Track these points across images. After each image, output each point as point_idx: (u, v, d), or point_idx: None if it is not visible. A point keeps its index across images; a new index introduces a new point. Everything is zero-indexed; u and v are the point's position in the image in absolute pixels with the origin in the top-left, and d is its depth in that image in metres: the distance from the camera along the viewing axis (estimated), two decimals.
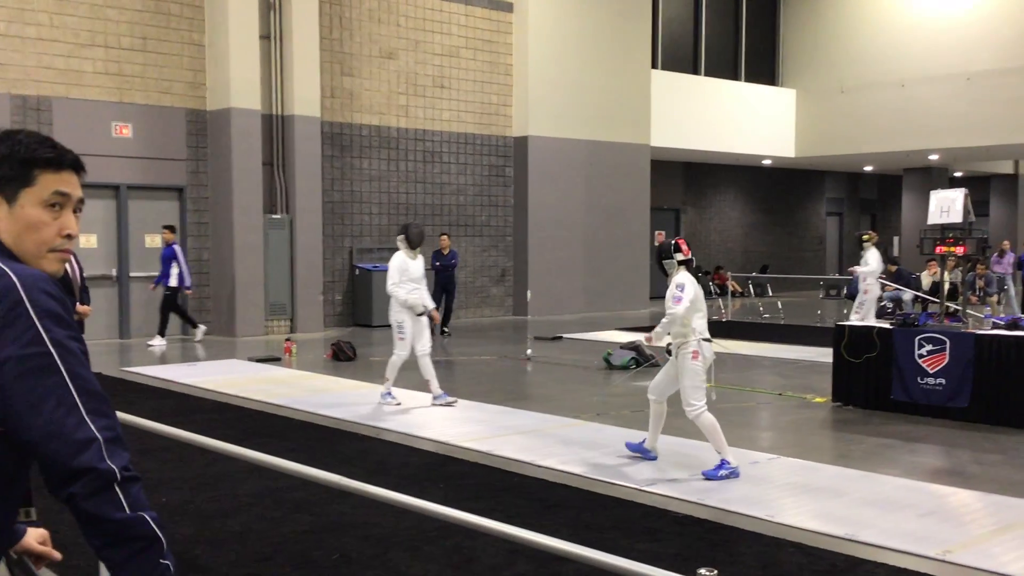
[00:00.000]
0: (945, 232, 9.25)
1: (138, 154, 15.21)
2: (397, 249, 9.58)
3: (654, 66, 22.22)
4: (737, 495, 6.20)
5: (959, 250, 9.13)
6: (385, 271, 10.31)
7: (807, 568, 4.88)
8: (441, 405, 9.46)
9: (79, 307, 7.63)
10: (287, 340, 13.86)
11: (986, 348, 8.48)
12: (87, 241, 14.66)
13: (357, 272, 17.38)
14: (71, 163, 1.88)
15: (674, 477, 6.67)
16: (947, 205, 9.20)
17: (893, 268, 17.04)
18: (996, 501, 6.12)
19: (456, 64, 18.70)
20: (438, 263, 16.29)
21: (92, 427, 1.68)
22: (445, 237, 16.52)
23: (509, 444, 7.74)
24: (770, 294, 25.96)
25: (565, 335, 15.78)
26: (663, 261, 7.04)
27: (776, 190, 28.81)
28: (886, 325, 9.33)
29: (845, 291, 20.55)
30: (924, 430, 8.33)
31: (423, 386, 10.29)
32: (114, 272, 15.18)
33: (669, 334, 6.89)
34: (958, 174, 29.78)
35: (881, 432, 8.29)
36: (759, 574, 4.80)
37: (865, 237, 13.90)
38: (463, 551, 5.07)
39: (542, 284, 19.55)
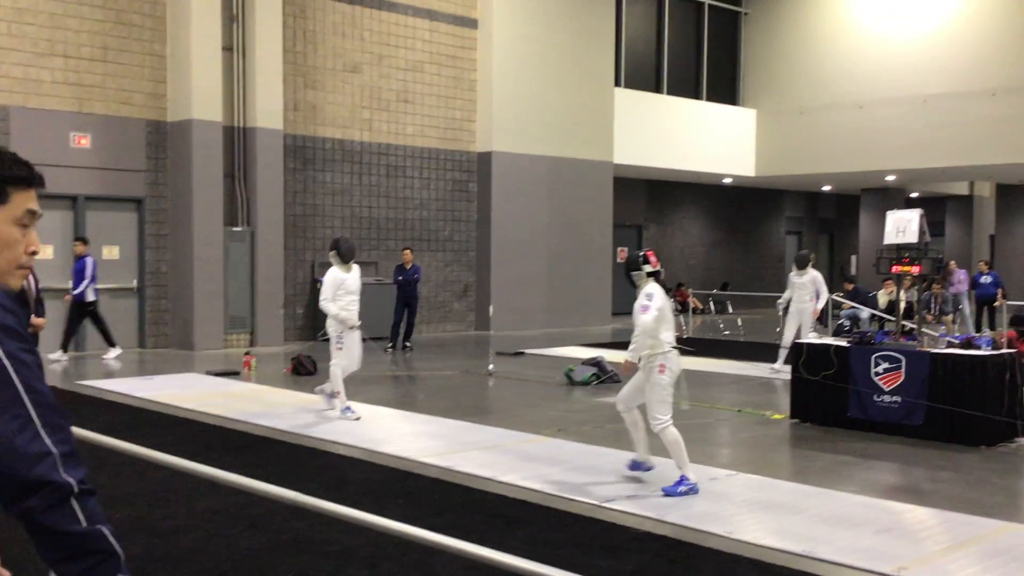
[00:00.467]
0: (901, 252, 9.39)
1: (96, 165, 15.03)
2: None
3: (617, 84, 22.38)
4: (696, 511, 6.22)
5: (915, 270, 9.27)
6: None
7: None
8: (345, 418, 9.52)
9: (34, 319, 7.52)
10: (247, 354, 13.72)
11: (940, 367, 8.60)
12: (43, 253, 14.44)
13: (319, 286, 17.19)
14: (40, 181, 1.89)
15: (633, 494, 6.69)
16: (903, 225, 9.34)
17: (850, 286, 17.25)
18: (950, 518, 6.20)
19: (420, 79, 18.71)
20: (400, 277, 16.24)
21: (47, 440, 1.66)
22: (408, 251, 16.48)
23: (469, 460, 7.71)
24: (730, 311, 26.18)
25: (527, 350, 15.79)
26: (631, 273, 7.05)
27: (736, 208, 29.10)
28: (843, 343, 9.44)
29: None
30: (880, 447, 8.43)
31: (385, 401, 10.27)
32: (70, 284, 14.94)
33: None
34: (914, 195, 30.26)
35: (838, 449, 8.37)
36: None
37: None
38: (422, 568, 5.03)
39: (504, 299, 19.55)
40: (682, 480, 6.67)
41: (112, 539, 1.69)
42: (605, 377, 12.19)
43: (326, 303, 9.53)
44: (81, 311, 13.99)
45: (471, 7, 19.44)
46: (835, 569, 5.16)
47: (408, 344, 16.23)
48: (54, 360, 13.58)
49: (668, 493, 6.63)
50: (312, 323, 17.34)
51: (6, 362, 1.67)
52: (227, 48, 15.87)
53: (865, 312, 16.57)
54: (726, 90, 25.80)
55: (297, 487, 6.29)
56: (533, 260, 20.26)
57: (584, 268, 21.17)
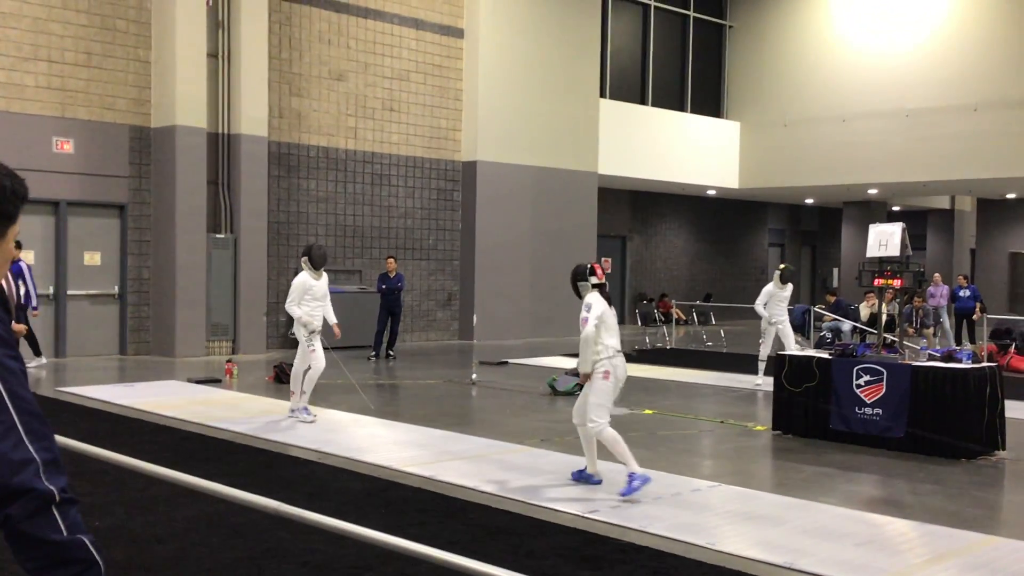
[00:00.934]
0: (883, 265, 9.44)
1: (79, 170, 14.95)
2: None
3: (602, 95, 22.46)
4: (678, 523, 6.23)
5: (897, 283, 9.33)
6: (332, 293, 10.43)
7: None
8: (302, 420, 9.64)
9: (15, 325, 7.45)
10: (228, 361, 13.65)
11: (922, 379, 8.64)
12: (24, 258, 14.33)
13: None
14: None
15: (616, 504, 6.68)
16: (885, 239, 9.40)
17: (833, 298, 17.33)
18: (931, 531, 6.23)
19: (406, 88, 18.72)
20: (384, 286, 16.20)
21: (30, 448, 1.66)
22: (391, 260, 16.45)
23: (452, 469, 7.69)
24: (713, 322, 26.26)
25: (510, 360, 15.78)
26: (578, 283, 7.26)
27: (720, 220, 29.22)
28: (825, 355, 9.47)
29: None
30: (861, 459, 8.46)
31: (367, 410, 10.25)
32: (51, 290, 14.86)
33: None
34: (896, 208, 30.47)
35: (820, 461, 8.40)
36: None
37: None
38: None
39: (488, 309, 19.54)
40: (632, 477, 6.79)
41: (93, 549, 1.68)
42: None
43: (291, 305, 9.78)
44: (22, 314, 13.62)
45: (457, 17, 19.47)
46: None
47: (392, 353, 16.20)
48: (33, 367, 13.40)
49: (625, 494, 6.75)
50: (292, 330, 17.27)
51: None
52: (212, 54, 15.83)
53: (847, 324, 16.65)
54: (710, 102, 25.93)
55: (279, 496, 6.25)
56: (517, 270, 20.27)
57: (568, 278, 21.12)
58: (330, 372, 10.86)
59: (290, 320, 17.07)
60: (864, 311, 16.90)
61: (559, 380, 12.34)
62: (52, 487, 1.65)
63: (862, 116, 22.92)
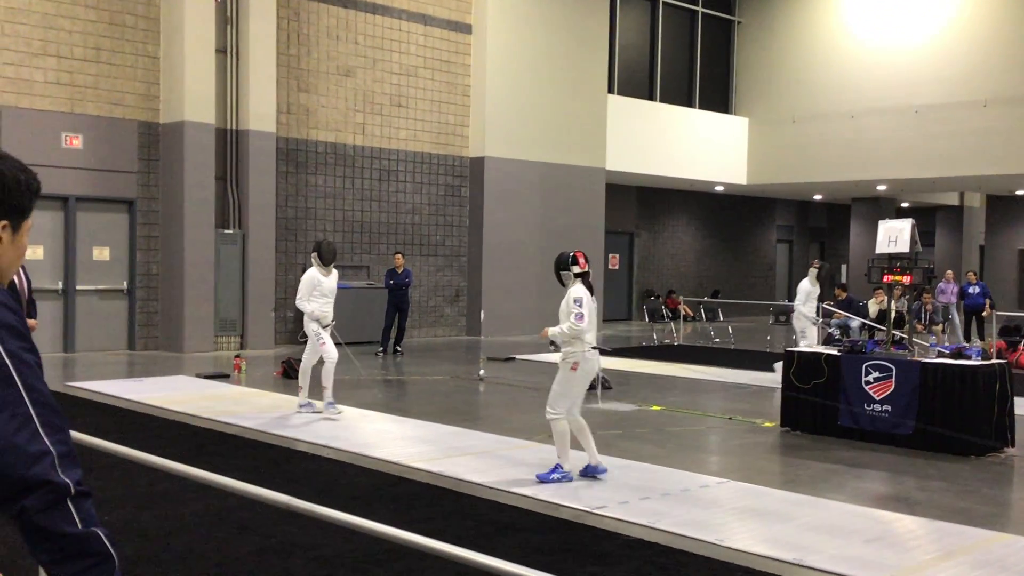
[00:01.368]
0: (892, 261, 9.41)
1: (88, 165, 14.98)
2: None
3: (610, 91, 22.42)
4: (687, 519, 6.22)
5: (906, 279, 9.30)
6: (340, 288, 10.46)
7: None
8: (326, 416, 9.66)
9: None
10: (236, 357, 13.68)
11: (931, 376, 8.62)
12: (33, 253, 14.38)
13: None
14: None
15: (624, 500, 6.68)
16: (895, 235, 9.37)
17: (843, 294, 17.25)
18: (940, 528, 6.21)
19: (414, 83, 18.71)
20: (392, 282, 16.21)
21: (46, 440, 1.66)
22: (399, 256, 16.45)
23: (460, 465, 7.70)
24: (721, 319, 26.22)
25: (518, 356, 15.78)
26: (560, 272, 7.31)
27: (728, 216, 29.16)
28: (834, 352, 9.45)
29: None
30: (870, 456, 8.44)
31: (375, 405, 10.26)
32: (60, 285, 14.91)
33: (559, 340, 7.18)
34: (905, 204, 30.38)
35: (828, 457, 8.38)
36: None
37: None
38: (412, 573, 5.02)
39: (496, 304, 19.53)
40: (557, 468, 7.05)
41: (107, 542, 1.68)
42: (597, 386, 12.18)
43: (301, 301, 9.84)
44: None
45: (465, 12, 19.46)
46: None
47: (399, 349, 16.21)
48: None
49: (542, 479, 7.00)
50: (302, 327, 17.27)
51: (7, 361, 1.68)
52: (220, 50, 15.85)
53: (856, 321, 16.61)
54: (718, 98, 25.87)
55: (287, 491, 6.24)
56: (525, 266, 20.25)
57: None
58: (337, 367, 10.85)
59: (298, 316, 17.19)
60: (873, 307, 16.84)
61: None
62: (67, 480, 1.66)
63: (871, 112, 22.85)
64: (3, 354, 1.67)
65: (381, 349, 16.06)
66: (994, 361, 8.88)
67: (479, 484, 7.10)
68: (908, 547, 5.85)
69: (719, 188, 26.74)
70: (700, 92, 25.47)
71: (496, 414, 10.54)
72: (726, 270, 29.32)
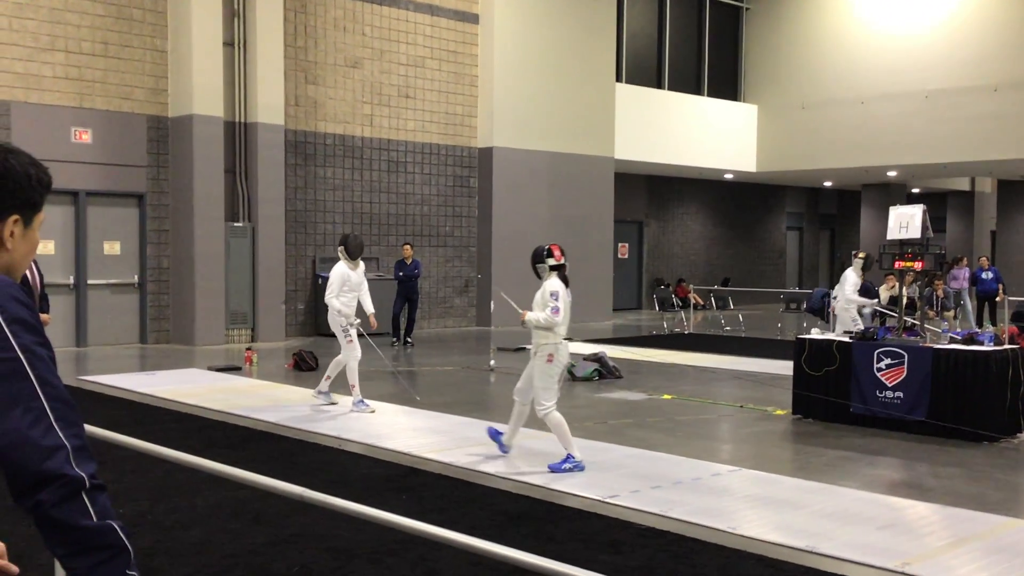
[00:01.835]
0: (904, 247, 9.37)
1: (98, 160, 15.02)
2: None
3: (618, 79, 22.36)
4: (699, 507, 6.22)
5: (917, 265, 9.26)
6: None
7: None
8: (358, 411, 9.62)
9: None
10: (248, 349, 13.72)
11: (943, 362, 8.59)
12: (45, 248, 14.44)
13: (320, 281, 17.25)
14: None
15: (636, 489, 6.69)
16: (906, 221, 9.34)
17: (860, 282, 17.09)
18: (953, 514, 6.20)
19: (421, 74, 18.69)
20: (401, 273, 16.23)
21: (60, 434, 1.67)
22: (408, 247, 16.46)
23: (472, 456, 7.71)
24: (731, 307, 26.17)
25: (528, 346, 15.75)
26: (536, 265, 7.38)
27: (737, 204, 29.08)
28: (845, 339, 9.43)
29: (805, 305, 20.75)
30: (882, 443, 8.42)
31: (387, 397, 10.28)
32: (71, 280, 14.96)
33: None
34: (915, 190, 30.24)
35: (840, 444, 8.37)
36: None
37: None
38: (426, 563, 5.04)
39: (509, 293, 19.47)
40: (568, 458, 7.10)
41: (122, 534, 1.69)
42: (608, 375, 12.20)
43: (332, 298, 9.71)
44: None
45: (472, 2, 19.41)
46: (838, 565, 5.16)
47: (409, 340, 16.24)
48: None
49: (553, 469, 7.04)
50: (313, 319, 17.35)
51: (21, 355, 1.68)
52: (228, 43, 15.85)
53: (868, 308, 16.53)
54: (727, 85, 25.78)
55: (300, 482, 6.27)
56: None
57: (585, 264, 21.13)
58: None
59: (310, 309, 17.23)
60: (884, 294, 16.77)
61: (577, 366, 12.33)
62: (82, 473, 1.66)
63: (881, 98, 22.73)
64: (17, 349, 1.68)
65: (395, 340, 16.13)
66: (1007, 347, 8.84)
67: (491, 474, 7.11)
68: (921, 534, 5.84)
69: (728, 176, 26.66)
70: (709, 79, 25.37)
71: (507, 404, 10.51)
72: (736, 258, 29.25)
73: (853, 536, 5.63)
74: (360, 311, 10.05)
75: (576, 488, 6.67)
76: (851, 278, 13.24)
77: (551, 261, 7.27)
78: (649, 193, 26.55)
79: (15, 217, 1.84)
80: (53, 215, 14.49)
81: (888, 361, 8.88)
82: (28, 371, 1.68)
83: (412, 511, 5.75)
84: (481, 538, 3.17)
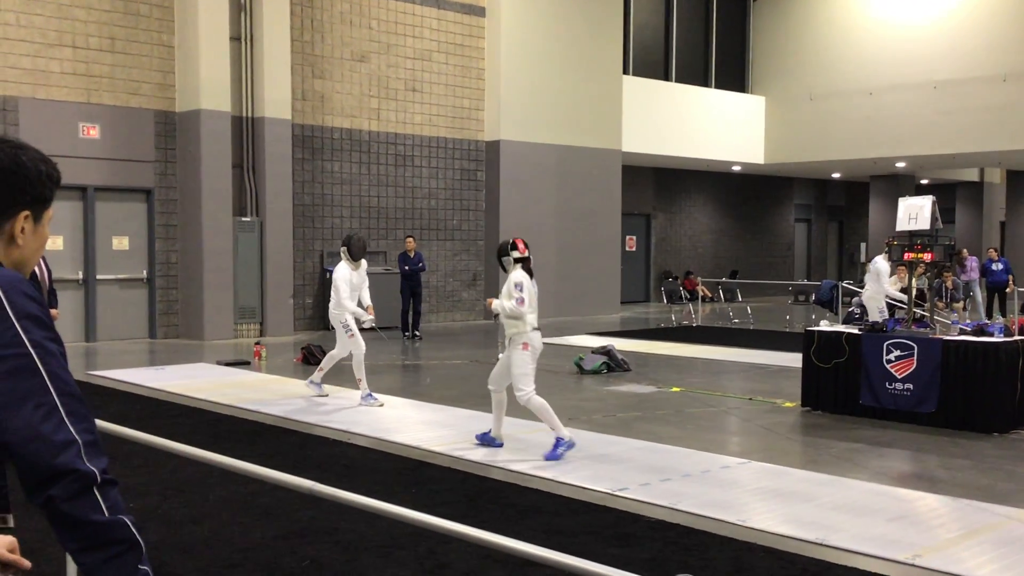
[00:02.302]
0: (913, 239, 9.34)
1: (106, 155, 15.05)
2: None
3: (625, 72, 22.30)
4: (708, 500, 6.22)
5: (927, 256, 9.23)
6: None
7: (778, 572, 4.90)
8: (368, 405, 9.67)
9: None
10: (256, 344, 13.75)
11: (953, 354, 8.57)
12: (53, 243, 14.47)
13: (328, 275, 17.26)
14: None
15: (646, 481, 6.68)
16: (915, 212, 9.30)
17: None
18: (963, 506, 6.18)
19: (428, 68, 18.67)
20: (406, 267, 16.24)
21: (72, 429, 1.67)
22: (411, 240, 16.45)
23: (480, 449, 7.72)
24: (739, 299, 26.13)
25: None
26: (502, 258, 7.61)
27: (745, 196, 29.00)
28: (855, 330, 9.40)
29: (813, 297, 20.71)
30: (892, 435, 8.40)
31: (395, 390, 10.29)
32: (80, 275, 15.00)
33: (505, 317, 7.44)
34: (924, 181, 30.12)
35: (850, 437, 8.35)
36: None
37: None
38: (435, 556, 5.04)
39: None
40: (558, 442, 7.24)
41: (134, 529, 1.70)
42: (617, 368, 12.19)
43: (346, 301, 9.70)
44: None
45: None
46: (848, 556, 5.15)
47: (418, 333, 16.26)
48: None
49: (549, 458, 7.18)
50: (321, 313, 17.37)
51: (32, 351, 1.69)
52: (235, 38, 15.85)
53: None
54: (735, 77, 25.70)
55: (310, 476, 6.28)
56: (542, 249, 20.19)
57: (593, 257, 21.14)
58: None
59: (318, 303, 17.25)
60: (894, 285, 16.71)
61: (586, 359, 12.33)
62: (93, 468, 1.67)
63: (889, 89, 22.64)
64: (28, 344, 1.68)
65: (405, 333, 16.17)
66: (1017, 338, 8.80)
67: (500, 467, 7.11)
68: (931, 526, 5.83)
69: (736, 168, 26.59)
70: (716, 71, 25.30)
71: (515, 397, 10.52)
72: (744, 250, 29.19)
73: (863, 528, 5.62)
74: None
75: (585, 481, 6.67)
76: (884, 268, 13.06)
77: (515, 254, 7.54)
78: (657, 186, 26.50)
79: (25, 213, 1.84)
80: (62, 211, 14.52)
81: (898, 353, 8.86)
82: (39, 366, 1.68)
83: (421, 504, 5.76)
84: (490, 531, 3.17)
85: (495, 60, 19.44)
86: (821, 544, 5.32)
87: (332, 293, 9.87)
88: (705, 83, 25.02)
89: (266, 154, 16.06)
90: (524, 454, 7.54)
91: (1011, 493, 6.56)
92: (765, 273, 29.15)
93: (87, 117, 14.83)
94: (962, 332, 8.98)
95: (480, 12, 19.40)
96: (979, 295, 20.04)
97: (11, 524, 1.98)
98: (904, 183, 26.52)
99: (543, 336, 7.74)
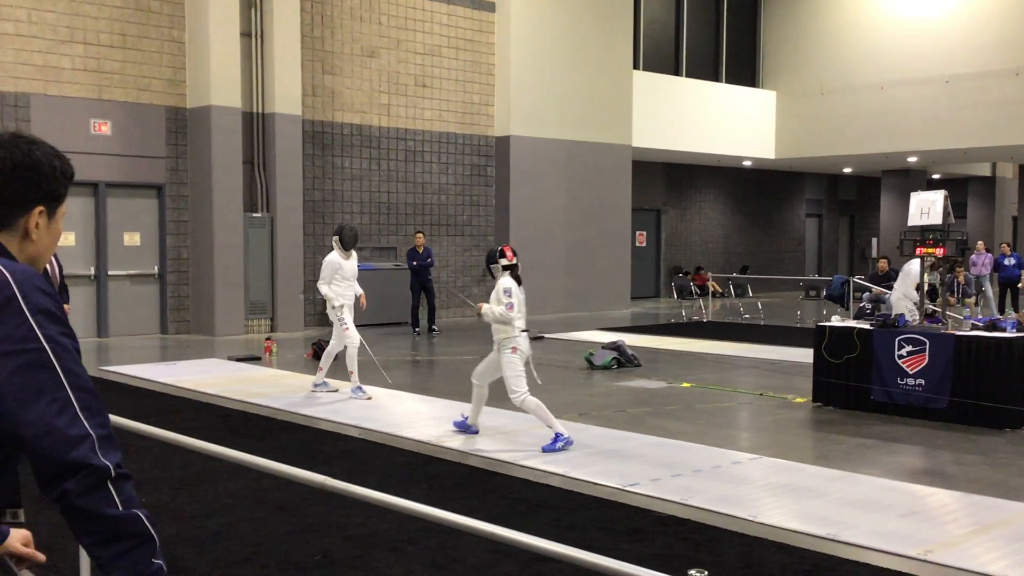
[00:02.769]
0: (925, 234, 9.30)
1: (117, 151, 15.09)
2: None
3: (635, 67, 22.26)
4: (719, 495, 6.21)
5: (939, 251, 9.19)
6: (365, 270, 10.52)
7: (790, 568, 4.89)
8: (356, 398, 9.72)
9: None
10: (267, 339, 13.78)
11: (965, 349, 8.54)
12: (65, 239, 14.51)
13: None
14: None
15: (656, 477, 6.68)
16: (927, 207, 9.26)
17: (886, 268, 16.96)
18: (975, 501, 6.16)
19: (438, 63, 18.67)
20: (415, 263, 16.26)
21: (86, 424, 1.68)
22: (420, 235, 16.47)
23: (491, 444, 7.73)
24: (750, 295, 26.08)
25: (546, 335, 15.77)
26: (490, 265, 7.87)
27: (756, 191, 28.93)
28: (866, 326, 9.37)
29: (824, 292, 20.66)
30: (904, 430, 8.38)
31: (405, 385, 10.31)
32: (92, 271, 15.06)
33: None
34: (936, 176, 30.00)
35: (861, 432, 8.33)
36: (743, 574, 4.81)
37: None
38: (446, 551, 5.05)
39: (523, 284, 19.45)
40: (557, 437, 7.41)
41: (148, 523, 1.70)
42: (627, 363, 12.18)
43: (322, 284, 9.92)
44: None
45: None
46: (860, 552, 5.14)
47: (435, 328, 16.32)
48: None
49: (547, 450, 7.35)
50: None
51: (46, 345, 1.70)
52: (245, 34, 15.88)
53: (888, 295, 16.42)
54: (746, 72, 25.62)
55: (320, 471, 6.30)
56: (552, 244, 20.22)
57: (603, 252, 21.12)
58: (365, 349, 10.91)
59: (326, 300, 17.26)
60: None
61: (596, 354, 12.33)
62: (107, 462, 1.68)
63: (901, 83, 22.54)
64: (42, 339, 1.69)
65: (415, 329, 16.19)
66: None
67: (511, 463, 7.12)
68: (943, 521, 5.81)
69: (747, 163, 26.53)
70: (727, 66, 25.22)
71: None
72: (755, 245, 29.12)
73: (875, 524, 5.61)
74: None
75: (596, 476, 6.67)
76: (916, 270, 12.96)
77: (503, 261, 7.76)
78: (667, 181, 26.45)
79: (40, 208, 1.85)
80: (73, 207, 14.56)
81: (909, 348, 8.83)
82: (53, 361, 1.69)
83: (433, 499, 5.77)
84: (501, 526, 3.18)
85: (505, 55, 19.42)
86: (832, 540, 5.31)
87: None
88: (716, 78, 24.96)
89: (276, 150, 16.09)
90: (534, 449, 7.54)
91: (1023, 488, 6.53)
92: (776, 268, 29.08)
93: (98, 113, 14.87)
94: (974, 327, 8.95)
95: (490, 7, 19.38)
96: (990, 290, 19.96)
97: (22, 519, 1.99)
98: (916, 178, 26.42)
99: (552, 331, 7.80)
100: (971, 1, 21.61)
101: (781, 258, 29.86)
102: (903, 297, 12.94)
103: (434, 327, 16.32)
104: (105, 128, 14.96)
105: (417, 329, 16.21)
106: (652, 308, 22.57)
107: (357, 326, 10.11)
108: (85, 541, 1.68)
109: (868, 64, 23.19)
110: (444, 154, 18.96)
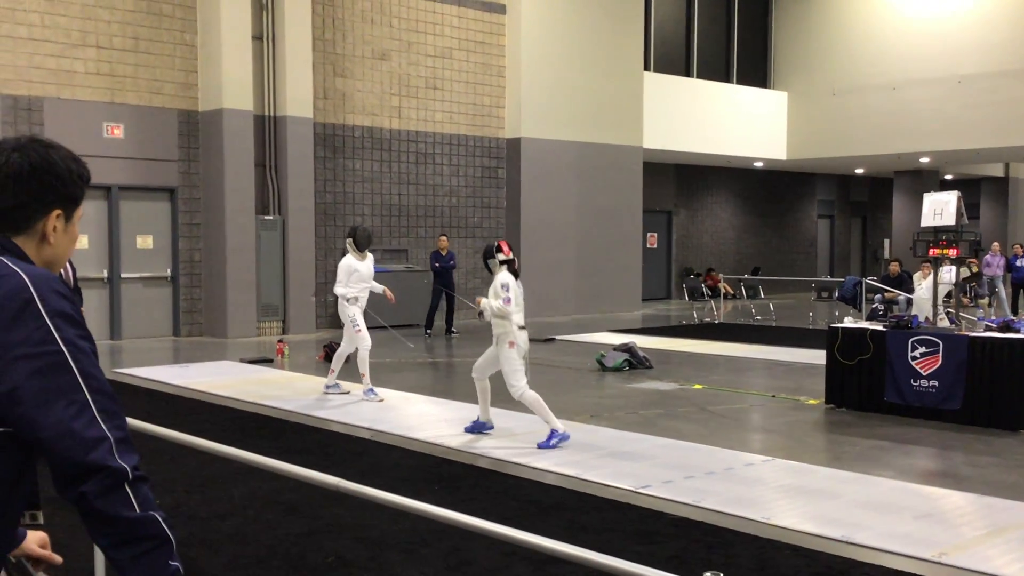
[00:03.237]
0: (938, 235, 9.27)
1: (130, 155, 15.16)
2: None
3: (646, 68, 22.23)
4: (732, 497, 6.20)
5: (952, 252, 9.15)
6: (377, 272, 10.54)
7: (803, 570, 4.88)
8: (368, 400, 9.75)
9: None
10: (279, 341, 13.82)
11: (979, 350, 8.50)
12: (79, 242, 14.52)
13: None
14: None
15: (669, 479, 6.67)
16: (940, 208, 9.22)
17: (898, 270, 16.88)
18: (990, 503, 6.13)
19: (449, 66, 18.69)
20: (438, 264, 16.31)
21: (103, 426, 1.69)
22: (444, 238, 16.52)
23: (503, 446, 7.73)
24: (762, 296, 26.01)
25: (558, 337, 15.77)
26: (487, 261, 7.92)
27: (767, 192, 28.86)
28: (879, 327, 9.34)
29: (836, 293, 20.58)
30: (917, 432, 8.34)
31: (418, 388, 10.31)
32: (105, 273, 15.12)
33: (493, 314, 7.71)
34: (948, 177, 29.87)
35: (874, 434, 8.30)
36: None
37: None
38: (459, 553, 5.05)
39: (534, 286, 19.49)
40: (553, 434, 7.52)
41: (165, 525, 1.71)
42: (638, 365, 12.17)
43: (339, 287, 9.99)
44: None
45: None
46: (874, 554, 5.12)
47: (454, 330, 16.36)
48: None
49: (542, 446, 7.46)
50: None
51: (64, 348, 1.70)
52: (257, 37, 15.93)
53: (903, 296, 16.37)
54: (757, 72, 25.56)
55: (333, 473, 6.30)
56: (563, 246, 20.21)
57: (614, 254, 21.10)
58: (378, 351, 10.95)
59: (338, 301, 17.29)
60: (919, 282, 16.57)
61: (607, 356, 12.32)
62: (125, 464, 1.69)
63: (913, 83, 22.46)
64: (59, 342, 1.70)
65: (428, 331, 16.20)
66: None
67: (523, 464, 7.12)
68: (957, 524, 5.78)
69: (758, 164, 26.46)
70: (738, 67, 25.17)
71: (540, 393, 10.53)
72: (766, 247, 29.05)
73: (888, 526, 5.59)
74: (375, 301, 10.13)
75: (608, 478, 6.67)
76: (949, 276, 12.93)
77: (500, 256, 7.83)
78: (678, 182, 26.41)
79: (57, 212, 1.87)
80: (86, 209, 14.56)
81: (923, 350, 8.79)
82: (71, 364, 1.70)
83: (445, 501, 5.77)
84: (514, 528, 3.18)
85: (516, 57, 19.43)
86: (846, 542, 5.30)
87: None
88: (727, 79, 24.91)
89: (288, 153, 16.14)
90: (547, 451, 7.53)
91: None
92: (787, 270, 29.00)
93: (111, 117, 14.94)
94: (988, 328, 8.91)
95: (501, 9, 19.40)
96: (1003, 291, 19.87)
97: (41, 520, 2.00)
98: (928, 178, 26.30)
99: (563, 333, 7.83)
100: (983, 1, 21.52)
101: (793, 259, 29.78)
102: (927, 299, 12.88)
103: (453, 329, 16.36)
104: (118, 131, 15.03)
105: (429, 331, 16.23)
106: (663, 310, 22.54)
107: (369, 328, 10.13)
108: (102, 543, 1.69)
109: (880, 64, 23.11)
110: (455, 156, 18.98)
